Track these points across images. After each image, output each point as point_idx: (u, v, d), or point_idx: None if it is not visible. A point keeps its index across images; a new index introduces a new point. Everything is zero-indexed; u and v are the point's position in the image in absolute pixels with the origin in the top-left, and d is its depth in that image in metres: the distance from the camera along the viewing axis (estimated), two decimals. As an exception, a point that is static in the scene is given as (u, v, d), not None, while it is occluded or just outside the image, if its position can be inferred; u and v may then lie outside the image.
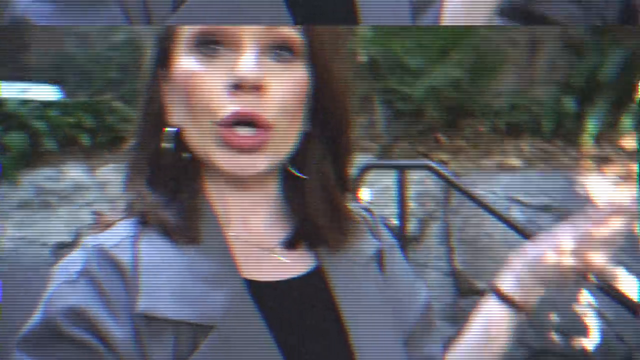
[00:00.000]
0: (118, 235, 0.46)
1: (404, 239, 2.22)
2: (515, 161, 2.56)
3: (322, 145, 0.50)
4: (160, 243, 0.46)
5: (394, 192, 2.27)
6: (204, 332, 0.42)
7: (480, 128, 2.95)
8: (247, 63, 0.43)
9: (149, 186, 0.48)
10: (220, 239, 0.48)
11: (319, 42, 0.47)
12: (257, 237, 0.50)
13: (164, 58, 0.49)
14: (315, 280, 0.50)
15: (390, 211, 2.37)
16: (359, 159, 3.52)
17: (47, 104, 3.66)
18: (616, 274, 0.54)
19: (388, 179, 2.57)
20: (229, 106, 0.44)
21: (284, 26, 0.45)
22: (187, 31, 0.46)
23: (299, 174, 0.50)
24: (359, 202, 0.60)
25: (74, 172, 3.72)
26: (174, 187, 0.49)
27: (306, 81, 0.47)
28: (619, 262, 0.55)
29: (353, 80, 0.52)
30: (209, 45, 0.45)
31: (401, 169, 2.27)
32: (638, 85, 2.37)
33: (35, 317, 0.43)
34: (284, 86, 0.45)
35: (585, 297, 1.95)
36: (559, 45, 3.00)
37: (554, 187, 2.26)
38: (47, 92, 3.81)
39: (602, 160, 2.38)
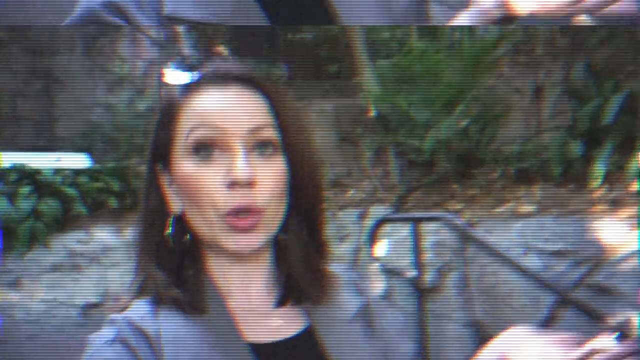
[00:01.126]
0: (141, 310, 0.54)
1: (421, 290, 2.25)
2: (528, 207, 2.59)
3: (299, 217, 0.58)
4: (174, 317, 0.53)
5: (410, 244, 2.32)
6: None
7: (492, 174, 3.01)
8: (241, 165, 0.52)
9: (157, 268, 0.55)
10: (223, 310, 0.55)
11: (291, 137, 0.57)
12: (255, 303, 0.58)
13: (163, 157, 0.57)
14: (308, 339, 0.56)
15: (407, 262, 2.41)
16: (376, 210, 3.59)
17: (77, 172, 3.86)
18: None
19: (404, 231, 2.62)
20: (229, 201, 0.53)
21: (265, 128, 0.55)
22: (185, 139, 0.55)
23: (283, 236, 0.59)
24: (338, 264, 0.66)
25: (102, 234, 3.87)
26: (178, 266, 0.56)
27: (285, 170, 0.56)
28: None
29: (322, 166, 0.61)
30: (205, 151, 0.54)
31: (415, 221, 2.33)
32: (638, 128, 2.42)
33: None
34: (270, 178, 0.54)
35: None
36: (561, 91, 3.09)
37: (568, 232, 2.27)
38: (77, 160, 4.03)
39: (614, 204, 2.40)
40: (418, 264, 2.28)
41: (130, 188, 4.02)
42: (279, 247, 0.59)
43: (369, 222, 3.59)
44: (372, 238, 2.53)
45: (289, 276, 0.58)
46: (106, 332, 0.53)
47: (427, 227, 2.59)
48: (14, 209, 3.47)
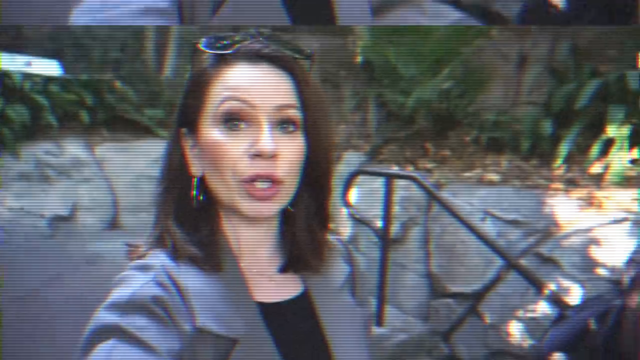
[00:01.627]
0: (167, 261, 0.58)
1: (387, 241, 2.43)
2: (493, 176, 2.77)
3: (309, 190, 0.63)
4: (193, 272, 0.58)
5: (381, 196, 2.46)
6: (232, 344, 0.57)
7: (465, 138, 3.15)
8: (266, 139, 0.57)
9: (176, 225, 0.60)
10: (236, 269, 0.60)
11: (312, 118, 0.61)
12: (262, 266, 0.63)
13: (190, 123, 0.60)
14: (304, 302, 0.63)
15: (376, 213, 2.56)
16: (349, 156, 3.70)
17: (48, 79, 3.71)
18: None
19: (376, 183, 2.76)
20: (251, 169, 0.57)
21: (289, 108, 0.59)
22: (215, 109, 0.58)
23: (291, 209, 0.63)
24: (336, 234, 0.72)
25: (73, 148, 3.81)
26: (195, 225, 0.60)
27: (303, 147, 0.61)
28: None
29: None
30: (233, 122, 0.58)
31: (389, 177, 2.46)
32: (607, 115, 2.57)
33: (124, 293, 0.54)
34: (291, 153, 0.59)
35: (543, 306, 2.20)
36: (543, 66, 3.18)
37: (525, 204, 2.48)
38: (48, 67, 3.85)
39: (570, 183, 2.60)
40: (387, 216, 2.43)
41: (103, 103, 3.92)
42: (285, 216, 0.64)
43: (341, 167, 3.70)
44: (346, 186, 2.65)
45: (294, 245, 0.65)
46: (144, 274, 0.56)
47: (398, 182, 2.73)
48: (-19, 112, 3.35)
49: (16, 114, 3.49)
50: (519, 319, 2.22)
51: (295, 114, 0.59)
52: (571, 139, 2.66)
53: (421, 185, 2.31)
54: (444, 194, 2.62)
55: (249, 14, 0.70)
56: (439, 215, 2.63)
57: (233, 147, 0.57)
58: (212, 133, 0.58)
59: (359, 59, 3.72)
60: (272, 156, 0.57)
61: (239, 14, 0.70)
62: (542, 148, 2.81)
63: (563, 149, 2.68)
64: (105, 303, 0.54)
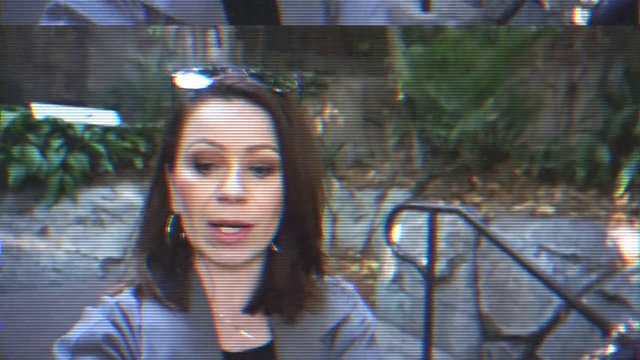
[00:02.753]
0: (129, 299, 0.57)
1: (432, 279, 2.30)
2: (547, 208, 2.59)
3: (291, 229, 0.59)
4: (157, 310, 0.56)
5: (424, 232, 2.35)
6: None
7: (515, 170, 3.00)
8: (232, 182, 0.53)
9: (147, 263, 0.58)
10: (206, 311, 0.57)
11: (291, 159, 0.56)
12: (236, 311, 0.59)
13: (170, 160, 0.58)
14: (268, 354, 0.58)
15: (421, 251, 2.45)
16: (395, 194, 3.62)
17: (106, 129, 3.96)
18: None
19: (420, 219, 2.66)
20: (218, 214, 0.54)
21: (264, 148, 0.55)
22: (186, 151, 0.56)
23: (276, 249, 0.59)
24: (337, 280, 0.67)
25: (127, 193, 3.99)
26: (170, 262, 0.58)
27: (280, 189, 0.56)
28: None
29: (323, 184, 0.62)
30: (203, 164, 0.55)
31: (433, 211, 2.36)
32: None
33: (78, 332, 0.54)
34: (263, 196, 0.55)
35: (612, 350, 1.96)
36: (595, 93, 3.02)
37: (583, 237, 2.28)
38: (107, 118, 4.13)
39: (634, 214, 2.38)
40: (431, 253, 2.32)
41: (156, 150, 4.11)
42: (271, 258, 0.59)
43: (386, 205, 3.63)
44: (389, 223, 2.57)
45: (267, 283, 0.60)
46: (101, 310, 0.56)
47: (443, 218, 2.61)
48: (45, 160, 3.60)
49: (77, 162, 3.72)
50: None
51: (270, 154, 0.55)
52: (632, 166, 2.46)
53: (467, 219, 2.20)
54: (493, 229, 2.48)
55: (187, 11, 0.68)
56: (489, 251, 2.47)
57: (201, 189, 0.55)
58: (184, 173, 0.56)
59: (400, 96, 3.71)
60: (240, 200, 0.54)
61: (176, 9, 0.69)
62: (600, 177, 2.62)
63: (624, 177, 2.48)
64: (60, 339, 0.54)
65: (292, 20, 0.69)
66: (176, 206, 0.58)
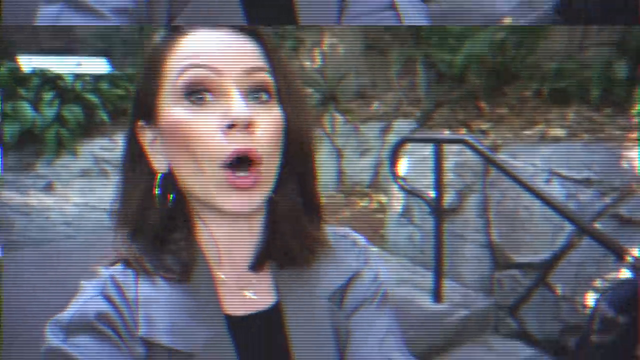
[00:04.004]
0: (125, 270, 0.54)
1: (440, 211, 2.25)
2: (558, 131, 2.47)
3: (292, 176, 0.56)
4: (155, 281, 0.53)
5: (431, 164, 2.28)
6: (187, 358, 0.51)
7: (525, 92, 2.85)
8: (239, 105, 0.49)
9: (132, 237, 0.54)
10: (208, 280, 0.54)
11: (286, 84, 0.54)
12: (239, 273, 0.56)
13: (147, 111, 0.53)
14: (274, 315, 0.56)
15: (428, 182, 2.39)
16: (399, 125, 3.50)
17: (98, 77, 3.82)
18: None
19: (426, 150, 2.57)
20: (227, 146, 0.49)
21: (259, 71, 0.52)
22: (173, 83, 0.51)
23: (273, 195, 0.55)
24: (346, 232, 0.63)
25: (126, 142, 3.94)
26: (160, 231, 0.54)
27: (281, 118, 0.53)
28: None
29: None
30: (197, 94, 0.50)
31: (438, 142, 2.26)
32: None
33: (71, 310, 0.52)
34: (267, 123, 0.51)
35: (625, 274, 1.93)
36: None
37: (597, 160, 2.18)
38: (98, 65, 3.97)
39: (652, 131, 2.26)
40: (438, 185, 2.26)
41: (126, 109, 4.00)
42: (272, 209, 0.56)
43: (391, 137, 3.52)
44: (393, 156, 2.49)
45: (277, 236, 0.56)
46: (94, 284, 0.53)
47: (450, 148, 2.52)
48: (38, 115, 3.51)
49: (71, 114, 3.63)
50: (598, 290, 1.98)
51: (266, 78, 0.52)
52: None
53: (473, 148, 2.10)
54: (502, 156, 2.39)
55: (209, 17, 0.62)
56: (498, 180, 2.39)
57: (202, 123, 0.49)
58: (175, 112, 0.50)
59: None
60: (248, 125, 0.49)
61: (199, 17, 0.62)
62: (616, 94, 2.47)
63: (641, 92, 2.33)
64: (52, 319, 0.51)
65: (309, 19, 0.65)
66: (161, 163, 0.53)
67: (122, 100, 3.86)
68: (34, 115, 3.48)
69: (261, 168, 0.51)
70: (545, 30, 2.88)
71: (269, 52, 0.53)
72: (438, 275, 2.25)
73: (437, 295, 2.24)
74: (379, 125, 3.66)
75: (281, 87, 0.53)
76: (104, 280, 0.53)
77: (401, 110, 3.61)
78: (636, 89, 2.36)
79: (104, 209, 3.80)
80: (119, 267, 0.54)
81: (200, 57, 0.50)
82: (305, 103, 0.56)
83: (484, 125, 2.76)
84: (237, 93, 0.50)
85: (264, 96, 0.52)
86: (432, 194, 2.29)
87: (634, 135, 2.27)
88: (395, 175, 2.52)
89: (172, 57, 0.51)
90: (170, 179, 0.54)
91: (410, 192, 2.54)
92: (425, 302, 2.23)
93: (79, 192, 3.72)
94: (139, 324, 0.50)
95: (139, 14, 0.62)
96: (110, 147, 3.83)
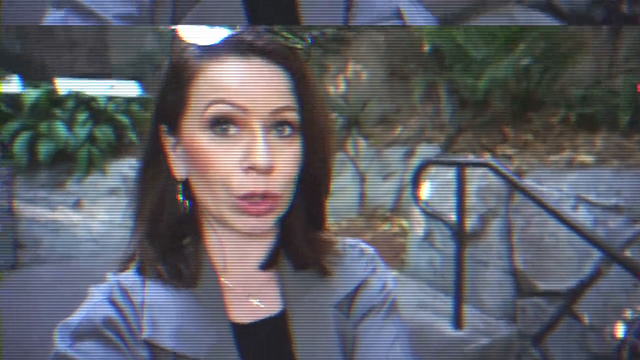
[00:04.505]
0: (132, 276, 0.54)
1: (462, 235, 2.21)
2: (586, 157, 2.42)
3: (304, 192, 0.57)
4: (161, 285, 0.53)
5: (453, 187, 2.26)
6: None
7: (551, 118, 2.81)
8: (261, 152, 0.50)
9: (147, 238, 0.55)
10: (215, 287, 0.54)
11: (312, 120, 0.54)
12: (248, 281, 0.56)
13: (170, 122, 0.53)
14: (279, 323, 0.55)
15: (450, 207, 2.36)
16: (423, 150, 3.49)
17: (129, 100, 3.97)
18: None
19: (449, 174, 2.55)
20: (245, 185, 0.50)
21: (287, 110, 0.52)
22: (201, 111, 0.51)
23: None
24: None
25: (154, 162, 4.04)
26: (175, 235, 0.54)
27: (300, 152, 0.54)
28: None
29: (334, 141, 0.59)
30: (221, 125, 0.50)
31: (461, 165, 2.24)
32: None
33: (79, 316, 0.52)
34: (287, 162, 0.52)
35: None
36: (642, 28, 2.75)
37: (626, 186, 2.12)
38: (129, 88, 4.13)
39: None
40: (460, 209, 2.22)
41: (150, 109, 4.12)
42: (284, 225, 0.57)
43: (414, 161, 3.51)
44: (416, 180, 2.47)
45: (286, 242, 0.57)
46: (102, 290, 0.54)
47: (473, 172, 2.49)
48: (72, 135, 3.65)
49: (103, 134, 3.75)
50: (627, 320, 1.89)
51: (292, 116, 0.52)
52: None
53: (496, 172, 2.08)
54: (527, 181, 2.34)
55: (212, 19, 0.64)
56: (522, 206, 2.34)
57: (224, 158, 0.51)
58: (199, 138, 0.51)
59: (426, 46, 3.51)
60: (267, 171, 0.50)
61: (202, 20, 0.65)
62: (646, 120, 2.41)
63: (672, 118, 2.27)
64: (61, 323, 0.52)
65: (312, 20, 0.67)
66: (181, 172, 0.54)
67: (152, 122, 3.98)
68: (67, 135, 3.62)
69: (277, 200, 0.52)
70: (572, 57, 2.86)
71: (299, 85, 0.53)
72: (458, 300, 2.19)
73: (457, 322, 2.18)
74: (403, 150, 3.66)
75: (306, 122, 0.53)
76: (111, 286, 0.53)
77: (425, 135, 3.61)
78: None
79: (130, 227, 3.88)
80: (128, 272, 0.55)
81: (229, 93, 0.50)
82: (327, 133, 0.56)
83: (509, 151, 2.72)
84: (262, 133, 0.50)
85: (287, 130, 0.52)
86: (453, 217, 2.26)
87: (665, 161, 2.20)
88: (417, 199, 2.50)
89: (201, 82, 0.51)
90: (186, 187, 0.55)
91: (432, 216, 2.51)
92: (445, 328, 2.17)
93: (106, 210, 3.81)
94: (143, 326, 0.51)
95: (142, 19, 0.64)
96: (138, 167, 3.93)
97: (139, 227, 0.56)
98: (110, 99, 3.90)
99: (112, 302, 0.52)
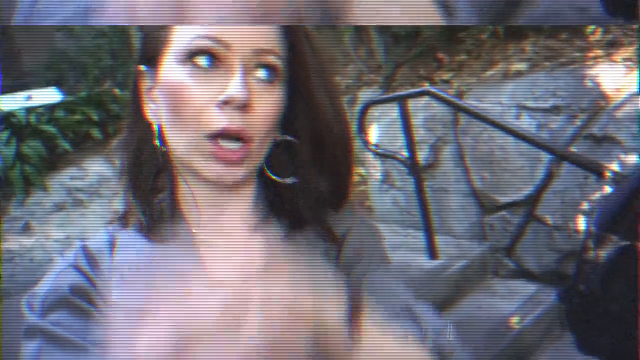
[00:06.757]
0: (102, 238, 0.54)
1: (417, 169, 2.22)
2: (519, 65, 2.45)
3: (308, 154, 0.54)
4: (135, 242, 0.52)
5: (400, 123, 2.24)
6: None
7: (481, 35, 2.81)
8: (237, 83, 0.48)
9: (130, 187, 0.54)
10: (187, 242, 0.52)
11: (305, 71, 0.52)
12: (225, 237, 0.54)
13: (151, 58, 0.52)
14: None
15: (401, 144, 2.35)
16: (364, 94, 3.46)
17: (52, 107, 3.70)
18: None
19: (394, 112, 2.53)
20: (218, 121, 0.48)
21: (270, 54, 0.50)
22: (181, 41, 0.49)
23: (276, 178, 0.54)
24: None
25: (95, 166, 3.83)
26: (154, 187, 0.53)
27: (282, 100, 0.52)
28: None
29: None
30: (201, 57, 0.49)
31: (401, 100, 2.22)
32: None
33: (45, 286, 0.51)
34: (266, 105, 0.50)
35: (608, 190, 1.92)
36: None
37: (561, 85, 2.16)
38: (49, 95, 3.85)
39: (611, 46, 2.24)
40: (410, 143, 2.22)
41: (110, 115, 3.89)
42: (271, 183, 0.54)
43: (359, 108, 3.48)
44: (361, 124, 2.44)
45: (293, 214, 0.54)
46: (66, 257, 0.53)
47: (416, 104, 2.48)
48: (-2, 157, 3.40)
49: (31, 149, 3.52)
50: (585, 212, 1.97)
51: (275, 61, 0.51)
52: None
53: (437, 97, 2.07)
54: (468, 101, 2.35)
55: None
56: (468, 127, 2.37)
57: (199, 91, 0.49)
58: (176, 72, 0.49)
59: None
60: (244, 106, 0.48)
61: None
62: (569, 17, 2.44)
63: (593, 10, 2.30)
64: (27, 295, 0.51)
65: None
66: (154, 116, 0.52)
67: (81, 125, 3.76)
68: (-7, 158, 3.37)
69: (250, 146, 0.50)
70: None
71: (292, 37, 0.51)
72: (429, 232, 2.22)
73: (432, 253, 2.22)
74: (345, 99, 3.62)
75: (299, 74, 0.52)
76: (75, 252, 0.52)
77: (363, 80, 3.57)
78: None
79: (85, 239, 3.72)
80: (98, 234, 0.54)
81: (213, 29, 0.48)
82: (336, 92, 0.54)
83: (446, 75, 2.72)
84: (241, 70, 0.49)
85: (270, 75, 0.51)
86: (406, 153, 2.26)
87: (593, 53, 2.25)
88: (367, 143, 2.48)
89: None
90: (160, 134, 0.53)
91: (384, 156, 2.50)
92: (422, 261, 2.21)
93: (57, 226, 3.63)
94: (112, 290, 0.49)
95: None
96: (80, 175, 3.73)
97: (124, 179, 0.54)
98: (29, 110, 3.64)
99: (77, 268, 0.51)
